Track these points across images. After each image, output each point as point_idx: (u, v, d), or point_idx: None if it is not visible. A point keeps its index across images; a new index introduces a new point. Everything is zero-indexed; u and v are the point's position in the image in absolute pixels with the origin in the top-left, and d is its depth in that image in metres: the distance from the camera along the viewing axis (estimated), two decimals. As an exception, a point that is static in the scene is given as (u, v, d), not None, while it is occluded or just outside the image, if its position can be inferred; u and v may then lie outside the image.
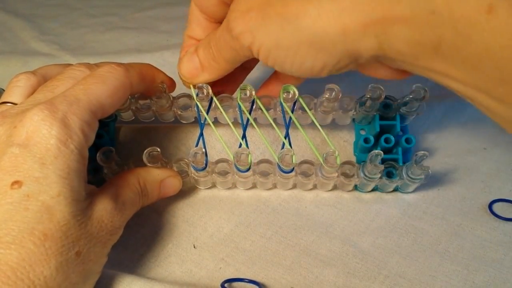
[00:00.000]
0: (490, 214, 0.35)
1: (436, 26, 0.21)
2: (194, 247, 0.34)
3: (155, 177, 0.32)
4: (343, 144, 0.40)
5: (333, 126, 0.40)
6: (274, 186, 0.37)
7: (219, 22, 0.32)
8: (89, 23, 0.60)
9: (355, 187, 0.37)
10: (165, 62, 0.51)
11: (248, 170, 0.33)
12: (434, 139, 0.41)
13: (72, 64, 0.32)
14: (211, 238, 0.34)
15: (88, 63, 0.31)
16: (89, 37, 0.57)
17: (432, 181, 0.37)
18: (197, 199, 0.37)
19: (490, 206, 0.36)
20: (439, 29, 0.21)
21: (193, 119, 0.38)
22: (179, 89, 0.37)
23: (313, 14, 0.24)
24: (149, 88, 0.33)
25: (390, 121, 0.36)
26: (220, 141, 0.37)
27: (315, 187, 0.37)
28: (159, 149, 0.33)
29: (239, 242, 0.34)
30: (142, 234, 0.34)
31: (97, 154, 0.32)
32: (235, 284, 0.31)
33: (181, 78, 0.34)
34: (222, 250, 0.33)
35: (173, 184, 0.34)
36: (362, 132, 0.38)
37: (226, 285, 0.31)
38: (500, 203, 0.36)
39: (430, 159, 0.39)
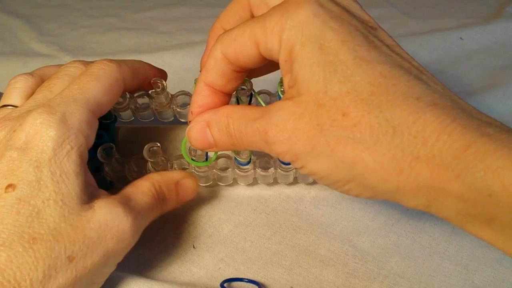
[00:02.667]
0: (489, 214, 0.35)
1: (491, 207, 0.20)
2: (194, 247, 0.34)
3: (170, 179, 0.31)
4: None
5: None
6: (275, 181, 0.37)
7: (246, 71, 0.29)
8: (88, 23, 0.60)
9: None
10: (165, 63, 0.51)
11: (248, 163, 0.33)
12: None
13: (68, 62, 0.32)
14: (211, 238, 0.34)
15: (83, 60, 0.31)
16: (89, 38, 0.57)
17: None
18: (197, 198, 0.37)
19: (489, 206, 0.36)
20: (494, 209, 0.20)
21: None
22: (178, 87, 0.37)
23: (370, 165, 0.23)
24: (142, 84, 0.33)
25: None
26: None
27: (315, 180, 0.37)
28: (159, 144, 0.33)
29: (239, 242, 0.34)
30: (142, 234, 0.34)
31: (98, 151, 0.32)
32: (234, 284, 0.31)
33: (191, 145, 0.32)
34: (222, 250, 0.33)
35: (190, 185, 0.32)
36: None
37: (225, 285, 0.31)
38: (499, 203, 0.36)
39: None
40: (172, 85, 0.37)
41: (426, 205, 0.23)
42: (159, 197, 0.30)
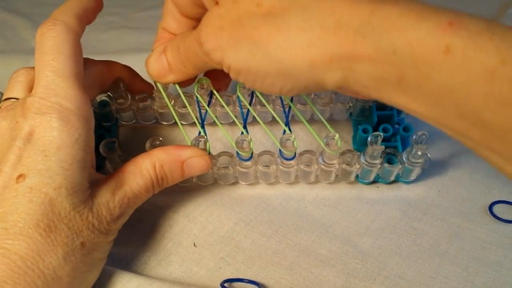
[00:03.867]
0: (490, 215, 0.35)
1: (397, 65, 0.22)
2: (195, 245, 0.34)
3: (176, 158, 0.31)
4: (343, 145, 0.40)
5: (331, 125, 0.40)
6: (277, 180, 0.37)
7: (194, 19, 0.32)
8: (90, 22, 0.60)
9: (357, 178, 0.37)
10: (166, 62, 0.51)
11: (250, 158, 0.33)
12: (435, 140, 0.41)
13: None
14: (211, 236, 0.34)
15: (88, 58, 0.31)
16: (90, 36, 0.57)
17: (432, 182, 0.38)
18: (198, 194, 0.37)
19: (490, 207, 0.36)
20: (400, 67, 0.22)
21: (193, 120, 0.38)
22: (169, 87, 0.37)
23: (282, 45, 0.24)
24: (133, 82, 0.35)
25: (386, 111, 0.36)
26: (222, 132, 0.37)
27: (317, 178, 0.37)
28: (161, 139, 0.33)
29: (239, 241, 0.34)
30: (143, 232, 0.34)
31: (100, 145, 0.32)
32: (234, 284, 0.31)
33: (149, 75, 0.33)
34: (222, 248, 0.33)
35: (199, 164, 0.32)
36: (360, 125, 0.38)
37: (226, 284, 0.31)
38: (500, 205, 0.36)
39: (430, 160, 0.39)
40: (172, 84, 0.37)
41: (342, 79, 0.24)
42: (157, 178, 0.30)
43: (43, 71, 0.27)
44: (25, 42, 0.56)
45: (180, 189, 0.36)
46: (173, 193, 0.36)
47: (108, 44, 0.55)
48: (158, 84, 0.34)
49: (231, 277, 0.32)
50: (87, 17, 0.31)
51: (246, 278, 0.31)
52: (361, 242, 0.34)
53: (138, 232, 0.34)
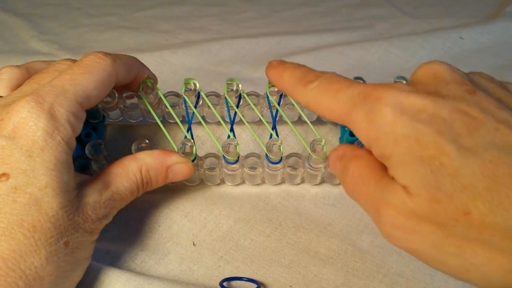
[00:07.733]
0: (488, 213, 0.35)
1: None
2: (194, 244, 0.34)
3: (161, 163, 0.31)
4: (330, 149, 0.39)
5: (319, 126, 0.40)
6: (263, 181, 0.37)
7: None
8: (88, 22, 0.60)
9: None
10: (165, 62, 0.51)
11: (236, 161, 0.33)
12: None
13: (59, 59, 0.32)
14: (210, 235, 0.34)
15: (74, 59, 0.31)
16: (89, 37, 0.57)
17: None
18: (197, 193, 0.37)
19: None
20: None
21: (181, 118, 0.38)
22: (167, 87, 0.37)
23: (507, 268, 0.21)
24: (133, 82, 0.33)
25: None
26: (208, 134, 0.37)
27: (303, 180, 0.37)
28: (147, 141, 0.32)
29: (239, 240, 0.34)
30: (142, 231, 0.34)
31: (86, 147, 0.32)
32: (234, 282, 0.31)
33: None
34: (222, 247, 0.33)
35: (183, 170, 0.32)
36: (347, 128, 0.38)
37: (225, 283, 0.31)
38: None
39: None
40: (171, 84, 0.37)
41: None
42: (142, 182, 0.31)
43: (64, 76, 0.28)
44: (24, 43, 0.56)
45: (179, 188, 0.36)
46: (172, 193, 0.36)
47: (106, 45, 0.56)
48: (142, 94, 0.34)
49: (230, 276, 0.32)
50: (135, 74, 0.33)
51: (245, 276, 0.31)
52: (360, 241, 0.34)
53: (137, 231, 0.34)
